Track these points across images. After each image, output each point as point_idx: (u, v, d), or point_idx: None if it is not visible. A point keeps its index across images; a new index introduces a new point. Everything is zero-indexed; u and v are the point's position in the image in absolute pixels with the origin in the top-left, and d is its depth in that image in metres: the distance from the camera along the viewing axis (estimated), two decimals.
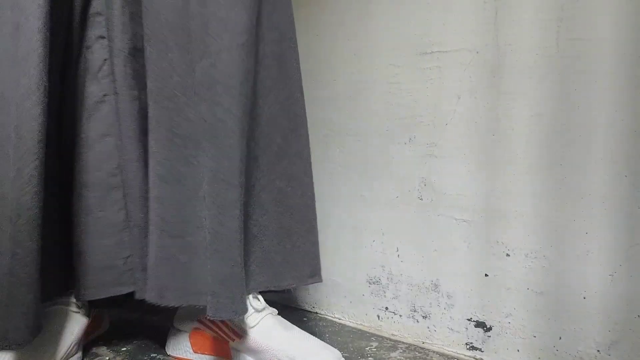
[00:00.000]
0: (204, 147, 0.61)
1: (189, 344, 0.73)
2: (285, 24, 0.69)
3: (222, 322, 0.70)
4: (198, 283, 0.63)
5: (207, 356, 0.72)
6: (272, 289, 0.69)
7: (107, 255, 0.68)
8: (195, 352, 0.72)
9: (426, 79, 0.80)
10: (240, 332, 0.68)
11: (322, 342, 0.69)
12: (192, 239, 0.63)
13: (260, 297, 0.71)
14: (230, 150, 0.61)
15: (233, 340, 0.69)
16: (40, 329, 0.61)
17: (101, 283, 0.68)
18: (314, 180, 0.94)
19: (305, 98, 0.95)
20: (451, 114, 0.78)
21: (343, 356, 0.75)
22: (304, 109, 0.71)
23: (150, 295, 0.64)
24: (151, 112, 0.63)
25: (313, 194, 0.73)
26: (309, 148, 0.72)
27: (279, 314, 0.73)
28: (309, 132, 0.93)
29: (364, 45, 0.87)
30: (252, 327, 0.68)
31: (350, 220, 0.90)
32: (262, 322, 0.69)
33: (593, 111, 0.66)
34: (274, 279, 0.68)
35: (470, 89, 0.76)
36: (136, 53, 0.66)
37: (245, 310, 0.63)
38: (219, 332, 0.71)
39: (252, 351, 0.68)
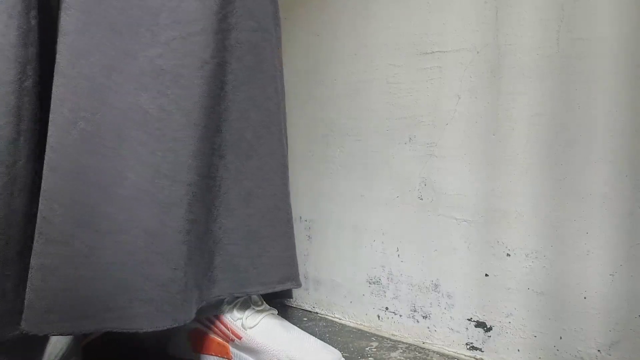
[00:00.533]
0: (137, 139, 0.56)
1: (188, 344, 0.73)
2: (263, 13, 0.65)
3: (221, 322, 0.70)
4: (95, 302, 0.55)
5: (207, 356, 0.72)
6: (237, 295, 0.66)
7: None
8: (195, 351, 0.72)
9: (426, 78, 0.80)
10: (239, 332, 0.68)
11: (322, 342, 0.69)
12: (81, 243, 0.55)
13: (260, 297, 0.71)
14: (175, 144, 0.56)
15: (233, 340, 0.69)
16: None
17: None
18: (314, 180, 0.94)
19: (305, 98, 0.95)
20: (451, 114, 0.78)
21: (343, 356, 0.75)
22: (279, 106, 0.67)
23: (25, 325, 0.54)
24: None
25: (287, 196, 0.68)
26: (283, 147, 0.68)
27: (278, 313, 0.73)
28: (309, 132, 0.93)
29: (364, 45, 0.87)
30: (252, 327, 0.68)
31: (350, 220, 0.90)
32: (261, 322, 0.68)
33: (593, 111, 0.66)
34: (238, 285, 0.64)
35: (471, 89, 0.76)
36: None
37: (189, 318, 0.58)
38: (219, 332, 0.71)
39: (252, 351, 0.68)
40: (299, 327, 0.71)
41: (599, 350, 0.66)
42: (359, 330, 0.87)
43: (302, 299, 0.98)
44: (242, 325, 0.68)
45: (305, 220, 0.97)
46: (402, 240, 0.84)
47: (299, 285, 0.69)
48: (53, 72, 0.56)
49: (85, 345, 0.75)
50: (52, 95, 0.54)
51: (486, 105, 0.74)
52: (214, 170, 0.61)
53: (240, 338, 0.68)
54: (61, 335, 0.55)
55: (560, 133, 0.68)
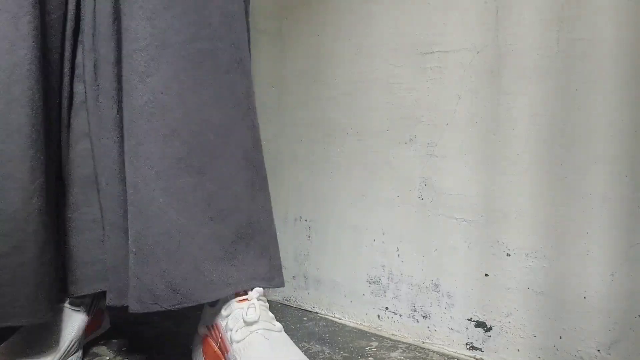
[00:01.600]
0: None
1: (201, 352, 0.67)
2: None
3: (219, 332, 0.64)
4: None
5: None
6: (192, 303, 0.61)
7: (90, 250, 0.68)
8: (205, 359, 0.66)
9: (427, 78, 0.80)
10: (228, 345, 0.61)
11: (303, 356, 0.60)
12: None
13: (259, 310, 0.62)
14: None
15: (225, 352, 0.62)
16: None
17: (85, 278, 0.68)
18: (314, 180, 0.94)
19: (306, 98, 0.95)
20: (451, 114, 0.78)
21: (343, 356, 0.75)
22: (240, 106, 0.64)
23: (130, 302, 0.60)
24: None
25: (250, 198, 0.64)
26: (247, 149, 0.64)
27: (278, 312, 0.69)
28: (309, 132, 0.93)
29: (365, 45, 0.87)
30: (238, 341, 0.60)
31: (351, 220, 0.90)
32: (247, 338, 0.59)
33: (593, 111, 0.66)
34: (204, 291, 0.60)
35: (471, 89, 0.76)
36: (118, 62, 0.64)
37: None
38: (219, 341, 0.64)
39: None
40: (298, 327, 0.70)
41: (598, 350, 0.66)
42: (359, 330, 0.87)
43: (302, 299, 0.98)
44: (231, 338, 0.61)
45: (305, 220, 0.97)
46: (402, 240, 0.84)
47: (249, 287, 0.62)
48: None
49: (86, 345, 0.75)
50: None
51: (486, 105, 0.74)
52: (172, 172, 0.60)
53: (227, 352, 0.61)
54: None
55: (560, 133, 0.69)
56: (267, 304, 0.63)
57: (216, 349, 0.64)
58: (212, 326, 0.65)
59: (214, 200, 0.61)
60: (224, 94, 0.62)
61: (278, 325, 0.61)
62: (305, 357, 0.58)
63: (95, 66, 0.65)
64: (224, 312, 0.63)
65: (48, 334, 0.66)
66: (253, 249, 0.63)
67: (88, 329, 0.75)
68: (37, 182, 0.59)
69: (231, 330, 0.61)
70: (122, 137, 0.63)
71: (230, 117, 0.63)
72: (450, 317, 0.79)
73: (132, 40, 0.58)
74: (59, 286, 0.66)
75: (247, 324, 0.60)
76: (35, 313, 0.59)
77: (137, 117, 0.59)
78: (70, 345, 0.69)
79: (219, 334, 0.63)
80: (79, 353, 0.71)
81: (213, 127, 0.61)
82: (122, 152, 0.63)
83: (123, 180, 0.63)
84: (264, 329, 0.60)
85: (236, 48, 0.63)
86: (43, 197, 0.59)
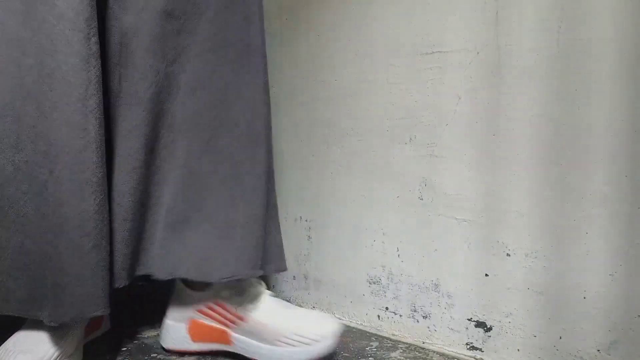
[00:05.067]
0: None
1: (187, 335, 0.74)
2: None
3: (223, 307, 0.73)
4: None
5: (208, 344, 0.73)
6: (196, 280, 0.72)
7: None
8: (195, 341, 0.73)
9: (426, 79, 0.80)
10: (241, 316, 0.70)
11: (323, 314, 0.73)
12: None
13: (260, 280, 0.75)
14: None
15: (235, 324, 0.71)
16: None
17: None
18: (314, 180, 0.94)
19: (306, 98, 0.95)
20: (451, 114, 0.78)
21: (343, 356, 0.75)
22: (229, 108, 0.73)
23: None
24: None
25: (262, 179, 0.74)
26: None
27: None
28: (309, 132, 0.93)
29: (365, 45, 0.87)
30: (255, 309, 0.71)
31: (351, 220, 0.90)
32: (262, 303, 0.72)
33: (593, 111, 0.66)
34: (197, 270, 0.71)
35: (471, 89, 0.76)
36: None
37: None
38: (220, 318, 0.72)
39: (256, 333, 0.69)
40: None
41: (598, 350, 0.66)
42: (359, 330, 0.87)
43: (302, 298, 0.98)
44: (245, 308, 0.70)
45: (305, 220, 0.97)
46: (402, 240, 0.84)
47: (258, 273, 0.72)
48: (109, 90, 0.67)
49: (86, 345, 0.75)
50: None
51: (486, 105, 0.74)
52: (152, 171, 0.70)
53: (244, 320, 0.70)
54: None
55: (560, 133, 0.69)
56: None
57: (217, 326, 0.72)
58: (208, 307, 0.73)
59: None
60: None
61: (270, 291, 0.76)
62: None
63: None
64: (225, 290, 0.73)
65: (48, 333, 0.66)
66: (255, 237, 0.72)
67: (88, 330, 0.75)
68: (106, 186, 0.64)
69: (242, 302, 0.71)
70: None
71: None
72: (450, 317, 0.79)
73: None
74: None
75: (255, 293, 0.72)
76: (107, 305, 0.64)
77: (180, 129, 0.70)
78: (70, 345, 0.68)
79: (226, 309, 0.72)
80: (80, 353, 0.71)
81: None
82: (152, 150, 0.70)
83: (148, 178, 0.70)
84: (268, 294, 0.74)
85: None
86: (107, 200, 0.65)
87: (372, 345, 0.81)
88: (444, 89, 0.78)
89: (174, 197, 0.70)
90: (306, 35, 0.95)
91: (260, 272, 0.72)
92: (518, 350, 0.73)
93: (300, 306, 0.98)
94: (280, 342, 0.68)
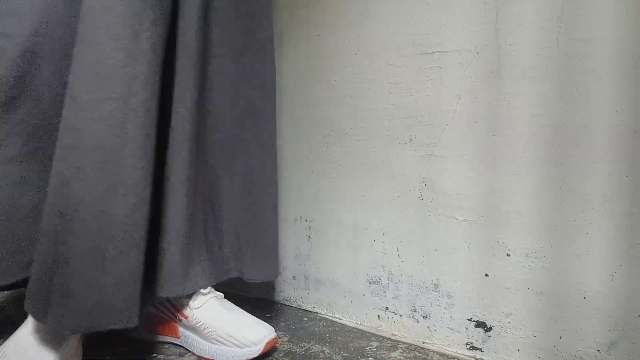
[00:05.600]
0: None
1: (142, 326, 0.80)
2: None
3: (172, 304, 0.78)
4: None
5: (159, 336, 0.80)
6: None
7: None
8: (148, 333, 0.80)
9: (426, 79, 0.80)
10: (187, 313, 0.76)
11: (258, 319, 0.77)
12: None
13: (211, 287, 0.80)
14: None
15: (180, 320, 0.77)
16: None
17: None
18: (314, 180, 0.94)
19: (306, 98, 0.95)
20: (451, 114, 0.78)
21: (343, 356, 0.75)
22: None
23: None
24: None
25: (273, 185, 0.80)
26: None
27: (278, 312, 0.74)
28: (309, 132, 0.93)
29: (365, 45, 0.87)
30: (197, 308, 0.76)
31: (350, 220, 0.90)
32: (206, 304, 0.76)
33: (593, 111, 0.66)
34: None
35: (471, 89, 0.76)
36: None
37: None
38: (170, 313, 0.78)
39: (196, 329, 0.75)
40: (299, 326, 0.72)
41: (598, 350, 0.66)
42: (359, 330, 0.87)
43: (302, 299, 0.98)
44: (190, 306, 0.77)
45: (305, 220, 0.97)
46: (402, 240, 0.84)
47: (275, 276, 0.80)
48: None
49: (86, 345, 0.75)
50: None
51: (486, 105, 0.74)
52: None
53: (186, 318, 0.76)
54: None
55: (560, 133, 0.69)
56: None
57: (167, 319, 0.79)
58: (161, 303, 0.79)
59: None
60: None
61: (222, 295, 0.80)
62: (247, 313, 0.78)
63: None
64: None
65: (46, 334, 0.66)
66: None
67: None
68: (147, 190, 0.61)
69: (189, 300, 0.77)
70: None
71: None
72: (450, 317, 0.79)
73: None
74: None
75: (203, 294, 0.77)
76: (130, 318, 0.60)
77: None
78: (69, 345, 0.68)
79: (175, 306, 0.78)
80: (79, 352, 0.71)
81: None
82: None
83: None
84: (214, 297, 0.78)
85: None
86: (149, 206, 0.62)
87: (372, 345, 0.81)
88: (444, 89, 0.78)
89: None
90: (306, 35, 0.95)
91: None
92: (518, 350, 0.73)
93: (300, 306, 0.98)
94: (215, 340, 0.73)
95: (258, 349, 0.72)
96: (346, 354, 0.76)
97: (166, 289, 0.69)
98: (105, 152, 0.57)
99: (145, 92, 0.59)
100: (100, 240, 0.57)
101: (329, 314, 0.94)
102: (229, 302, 0.79)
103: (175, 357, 0.75)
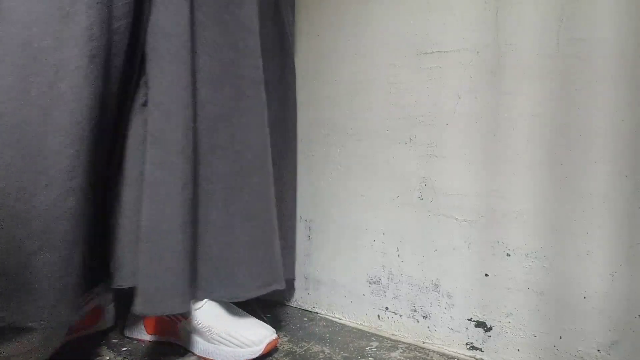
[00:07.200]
0: None
1: (143, 327, 0.80)
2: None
3: None
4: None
5: (159, 336, 0.80)
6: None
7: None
8: (149, 333, 0.80)
9: (426, 79, 0.80)
10: (187, 314, 0.76)
11: (259, 320, 0.77)
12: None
13: None
14: None
15: (180, 321, 0.77)
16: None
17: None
18: (314, 180, 0.94)
19: (306, 98, 0.95)
20: (451, 114, 0.78)
21: (343, 356, 0.75)
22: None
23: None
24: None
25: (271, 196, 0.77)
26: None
27: (278, 312, 0.74)
28: (310, 132, 0.93)
29: (365, 45, 0.87)
30: (198, 308, 0.76)
31: (350, 220, 0.90)
32: (206, 304, 0.76)
33: (593, 111, 0.66)
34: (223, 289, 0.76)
35: (471, 89, 0.76)
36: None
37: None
38: (170, 314, 0.78)
39: (197, 330, 0.75)
40: (298, 326, 0.72)
41: (598, 350, 0.66)
42: (359, 330, 0.87)
43: (302, 299, 0.98)
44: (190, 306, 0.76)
45: (305, 220, 0.97)
46: (402, 240, 0.84)
47: (282, 286, 0.77)
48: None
49: (86, 345, 0.75)
50: None
51: (486, 105, 0.74)
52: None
53: (187, 318, 0.76)
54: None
55: (560, 133, 0.69)
56: None
57: (169, 320, 0.78)
58: None
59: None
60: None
61: None
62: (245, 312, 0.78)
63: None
64: None
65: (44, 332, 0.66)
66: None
67: (80, 324, 0.75)
68: (75, 181, 0.57)
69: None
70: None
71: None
72: (450, 317, 0.79)
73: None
74: (84, 288, 0.65)
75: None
76: (57, 315, 0.57)
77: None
78: (29, 343, 0.65)
79: None
80: (46, 348, 0.67)
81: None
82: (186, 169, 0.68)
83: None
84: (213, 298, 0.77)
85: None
86: (79, 197, 0.58)
87: (372, 345, 0.80)
88: (444, 89, 0.78)
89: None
90: (306, 35, 0.95)
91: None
92: (518, 350, 0.73)
93: (300, 306, 0.98)
94: (216, 340, 0.73)
95: (259, 349, 0.72)
96: (346, 354, 0.76)
97: (169, 307, 0.70)
98: (27, 139, 0.54)
99: (75, 78, 0.56)
100: (21, 234, 0.54)
101: (329, 314, 0.94)
102: (229, 303, 0.79)
103: (175, 357, 0.75)
